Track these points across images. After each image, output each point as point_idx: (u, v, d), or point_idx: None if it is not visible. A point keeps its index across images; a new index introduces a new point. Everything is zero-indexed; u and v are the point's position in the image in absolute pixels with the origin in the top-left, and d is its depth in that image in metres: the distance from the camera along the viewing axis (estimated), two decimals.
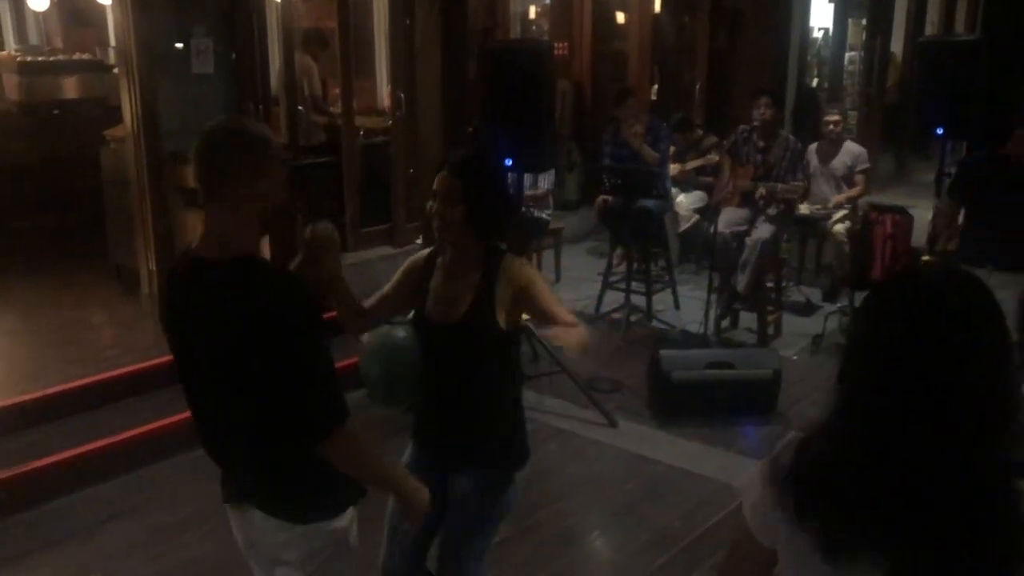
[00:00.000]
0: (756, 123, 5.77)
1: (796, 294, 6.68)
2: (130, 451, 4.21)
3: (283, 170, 2.01)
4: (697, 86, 8.44)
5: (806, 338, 5.97)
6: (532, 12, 9.52)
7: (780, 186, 5.60)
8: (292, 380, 1.86)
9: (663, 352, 4.85)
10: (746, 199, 5.82)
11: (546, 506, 3.99)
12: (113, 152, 6.06)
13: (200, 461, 2.17)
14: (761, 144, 5.80)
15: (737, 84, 8.25)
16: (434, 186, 2.42)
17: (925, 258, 6.33)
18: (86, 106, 7.48)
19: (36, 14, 9.50)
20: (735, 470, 4.29)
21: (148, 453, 4.22)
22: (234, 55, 5.94)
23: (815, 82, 9.37)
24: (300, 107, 6.59)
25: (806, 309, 6.55)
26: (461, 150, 2.57)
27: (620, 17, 9.05)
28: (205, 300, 1.92)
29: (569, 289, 6.80)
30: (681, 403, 4.81)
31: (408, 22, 6.96)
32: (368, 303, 2.58)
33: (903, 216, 7.21)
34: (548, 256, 7.22)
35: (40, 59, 8.16)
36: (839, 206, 6.68)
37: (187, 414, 2.10)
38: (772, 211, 5.78)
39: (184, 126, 5.85)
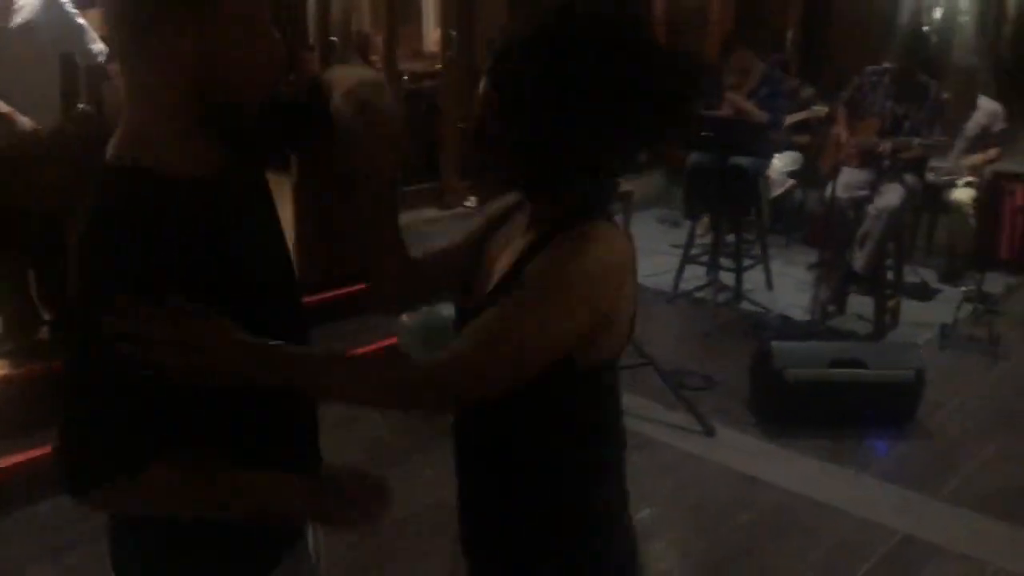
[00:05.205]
0: (889, 64, 4.74)
1: (911, 275, 5.66)
2: None
3: None
4: (789, 32, 7.36)
5: (928, 328, 4.98)
6: None
7: (917, 140, 4.56)
8: None
9: (775, 344, 3.91)
10: (868, 159, 4.80)
11: None
12: (116, 89, 5.19)
13: None
14: (894, 90, 4.77)
15: (837, 29, 7.16)
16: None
17: None
18: None
19: None
20: (874, 501, 3.37)
21: None
22: None
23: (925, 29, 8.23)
24: (334, 38, 5.68)
25: (923, 293, 5.56)
26: None
27: None
28: None
29: (641, 262, 5.83)
30: (796, 409, 3.87)
31: None
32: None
33: None
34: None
35: None
36: (973, 168, 5.66)
37: None
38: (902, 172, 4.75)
39: None
